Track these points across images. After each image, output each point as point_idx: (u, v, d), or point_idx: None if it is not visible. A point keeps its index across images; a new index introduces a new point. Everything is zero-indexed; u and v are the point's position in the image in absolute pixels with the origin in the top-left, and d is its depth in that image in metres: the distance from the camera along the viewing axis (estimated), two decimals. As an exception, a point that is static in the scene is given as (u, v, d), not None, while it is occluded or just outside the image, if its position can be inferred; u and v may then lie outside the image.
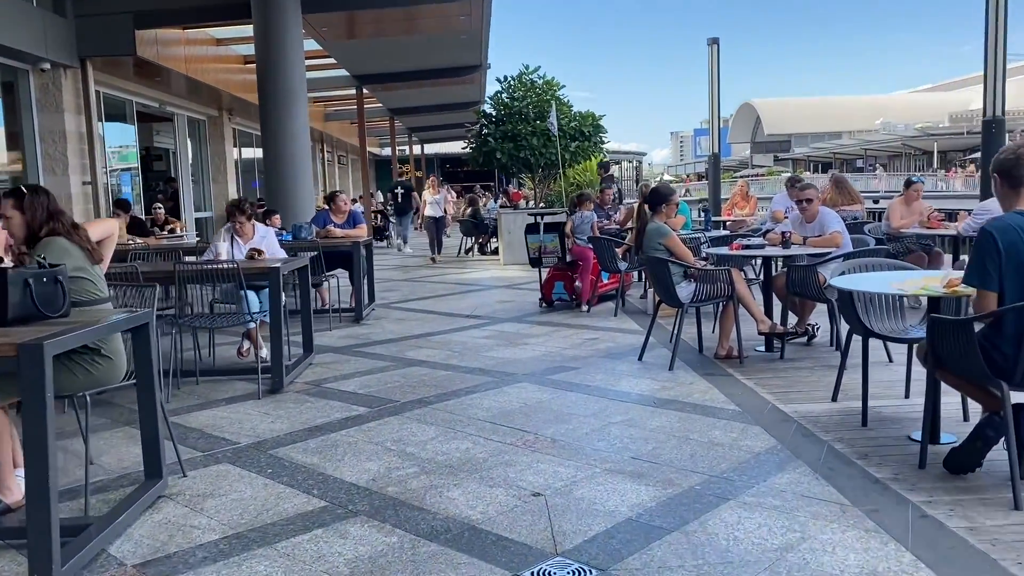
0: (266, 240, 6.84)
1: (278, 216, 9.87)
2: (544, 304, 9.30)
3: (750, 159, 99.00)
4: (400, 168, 39.76)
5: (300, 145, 11.51)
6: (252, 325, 6.42)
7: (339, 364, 6.54)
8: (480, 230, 17.91)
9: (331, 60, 18.46)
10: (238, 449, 4.38)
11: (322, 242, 8.83)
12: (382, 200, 31.56)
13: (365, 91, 20.66)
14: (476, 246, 18.16)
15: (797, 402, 4.98)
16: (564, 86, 15.59)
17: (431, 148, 41.68)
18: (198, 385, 5.91)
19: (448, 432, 4.57)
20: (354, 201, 24.26)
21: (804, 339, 6.63)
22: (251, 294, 6.33)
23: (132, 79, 14.63)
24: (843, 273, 4.90)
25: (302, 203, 11.31)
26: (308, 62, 19.96)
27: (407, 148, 36.04)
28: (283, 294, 6.76)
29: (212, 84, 16.03)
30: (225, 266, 5.55)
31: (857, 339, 4.66)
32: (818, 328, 6.72)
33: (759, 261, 7.66)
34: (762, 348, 6.48)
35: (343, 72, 19.28)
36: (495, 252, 17.41)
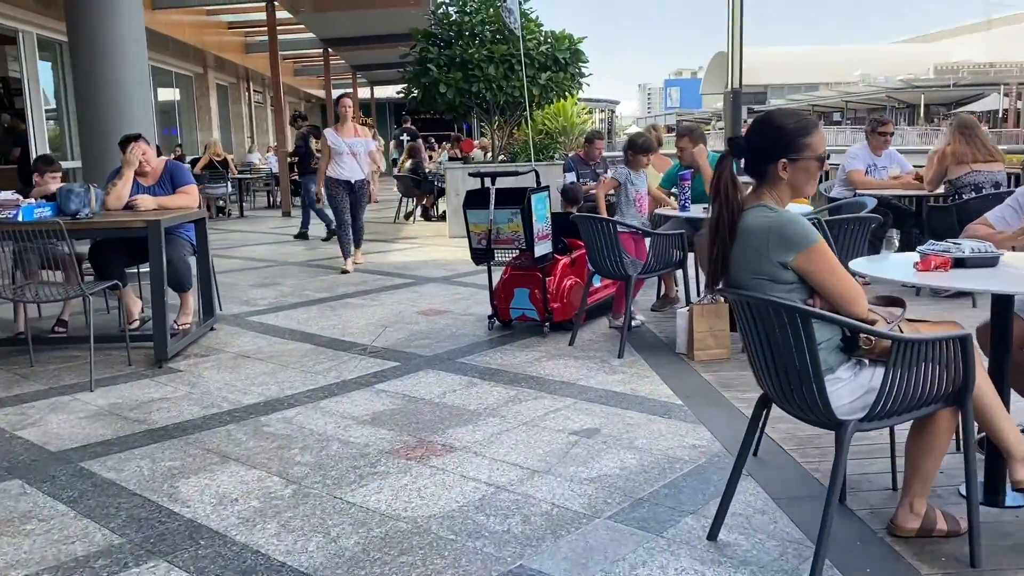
0: None
1: (58, 174, 5.93)
2: (496, 322, 5.60)
3: (723, 111, 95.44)
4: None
5: (128, 62, 7.51)
6: None
7: (-8, 536, 2.77)
8: (424, 189, 14.03)
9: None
10: None
11: (104, 222, 4.98)
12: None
13: (281, 10, 16.44)
14: (419, 209, 14.32)
15: None
16: (516, 28, 11.63)
17: (382, 92, 37.18)
18: None
19: None
20: (268, 151, 19.99)
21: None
22: None
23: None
24: None
25: None
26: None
27: (351, 90, 31.67)
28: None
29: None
30: None
31: None
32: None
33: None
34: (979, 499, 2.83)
35: (250, -18, 15.10)
36: (444, 218, 13.59)
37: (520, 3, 9.82)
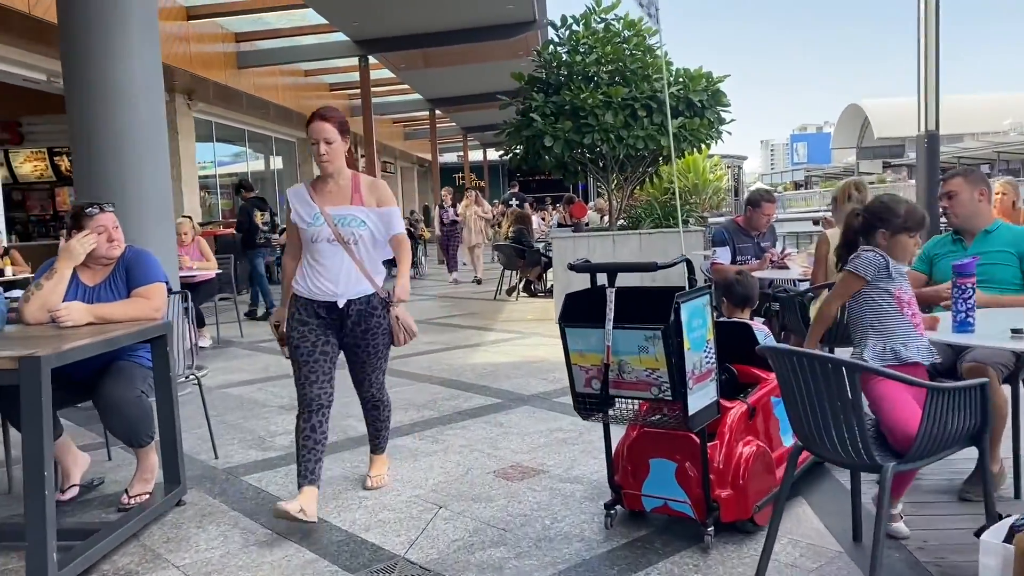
0: None
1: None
2: (618, 512, 3.33)
3: (856, 166, 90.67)
4: (458, 177, 34.40)
5: (138, 110, 5.84)
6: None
7: None
8: (529, 261, 11.98)
9: (323, 20, 12.98)
10: None
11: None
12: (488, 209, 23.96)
13: (374, 63, 15.03)
14: (524, 283, 12.25)
15: None
16: (658, 30, 9.56)
17: (496, 154, 35.80)
18: None
19: None
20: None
21: None
22: None
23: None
24: None
25: (140, 220, 5.64)
26: (292, 23, 14.60)
27: (464, 153, 30.46)
28: None
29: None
30: None
31: None
32: None
33: None
34: None
35: (341, 36, 13.74)
36: (552, 293, 11.50)
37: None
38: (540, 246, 12.34)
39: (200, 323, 8.32)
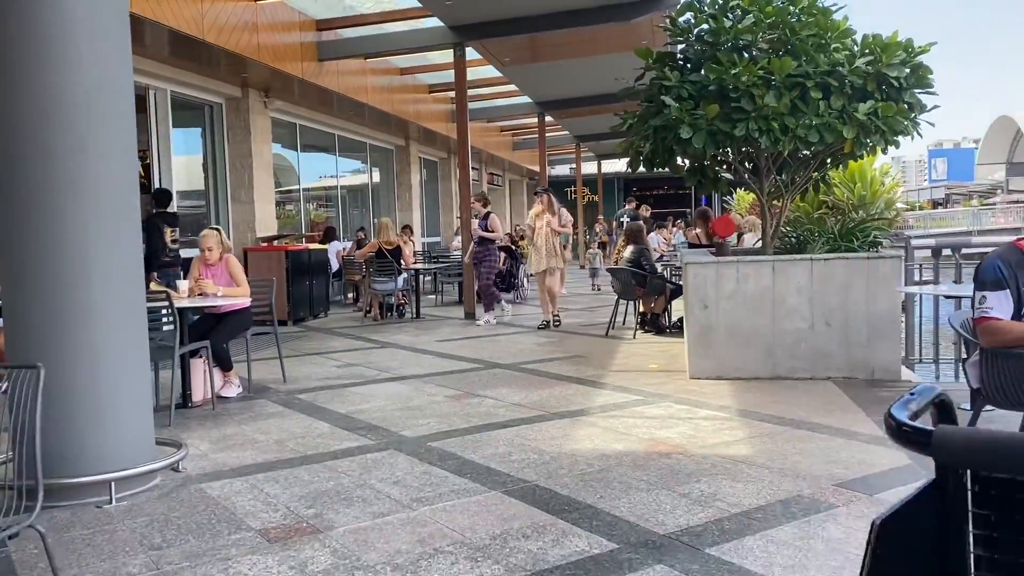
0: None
1: None
2: None
3: (1005, 183, 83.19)
4: (570, 191, 32.29)
5: (78, 73, 3.95)
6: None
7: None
8: (652, 289, 9.64)
9: (413, 3, 11.14)
10: None
11: None
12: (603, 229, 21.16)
13: (473, 53, 13.03)
14: (645, 317, 9.91)
15: None
16: (837, -14, 7.11)
17: (611, 166, 33.34)
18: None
19: None
20: (406, 229, 16.09)
21: None
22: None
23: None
24: None
25: (77, 224, 3.78)
26: (379, 8, 12.82)
27: (577, 164, 28.23)
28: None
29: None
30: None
31: None
32: None
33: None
34: None
35: (434, 22, 11.84)
36: (679, 328, 9.19)
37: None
38: (664, 270, 10.03)
39: (225, 366, 6.46)
